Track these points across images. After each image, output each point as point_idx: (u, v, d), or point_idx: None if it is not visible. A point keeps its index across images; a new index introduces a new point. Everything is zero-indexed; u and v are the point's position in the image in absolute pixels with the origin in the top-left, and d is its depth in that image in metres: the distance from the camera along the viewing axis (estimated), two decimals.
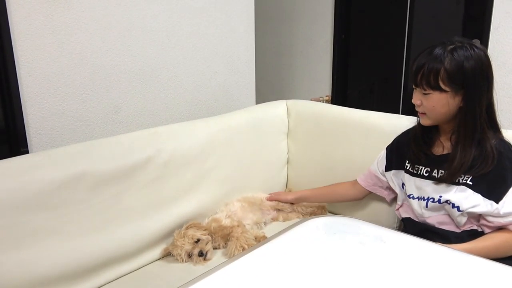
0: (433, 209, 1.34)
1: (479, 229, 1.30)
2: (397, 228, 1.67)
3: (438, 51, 1.23)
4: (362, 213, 1.77)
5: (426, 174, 1.37)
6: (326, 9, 3.25)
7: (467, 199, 1.26)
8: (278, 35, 3.59)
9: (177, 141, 1.64)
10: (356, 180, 1.66)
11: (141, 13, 1.90)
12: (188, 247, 1.50)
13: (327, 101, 3.34)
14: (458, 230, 1.32)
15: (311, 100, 2.82)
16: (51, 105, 1.69)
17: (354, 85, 3.38)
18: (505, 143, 1.28)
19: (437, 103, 1.25)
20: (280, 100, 2.12)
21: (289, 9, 3.48)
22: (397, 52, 3.00)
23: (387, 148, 1.56)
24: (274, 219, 1.83)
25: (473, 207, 1.25)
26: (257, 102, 2.42)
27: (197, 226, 1.58)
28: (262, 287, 0.81)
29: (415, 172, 1.40)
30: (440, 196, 1.31)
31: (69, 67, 1.71)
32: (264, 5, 3.48)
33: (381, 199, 1.66)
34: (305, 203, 1.87)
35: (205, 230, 1.58)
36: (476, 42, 1.30)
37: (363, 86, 3.36)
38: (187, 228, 1.56)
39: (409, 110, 1.37)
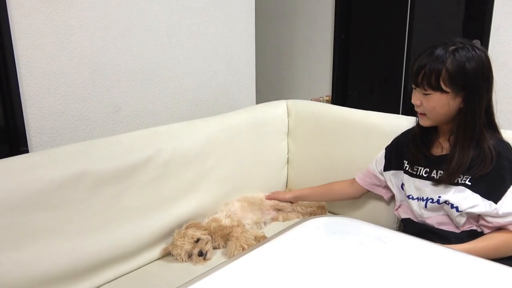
0: (432, 210, 1.34)
1: (479, 230, 1.30)
2: (397, 228, 1.67)
3: (439, 51, 1.23)
4: (362, 213, 1.77)
5: (425, 175, 1.37)
6: (327, 9, 3.25)
7: (465, 199, 1.26)
8: (279, 35, 3.59)
9: (177, 140, 1.64)
10: (354, 178, 1.67)
11: (141, 12, 1.90)
12: (188, 246, 1.50)
13: (327, 101, 3.34)
14: (457, 231, 1.32)
15: (311, 100, 2.82)
16: (51, 104, 1.69)
17: (354, 85, 3.38)
18: (504, 143, 1.28)
19: (437, 104, 1.25)
20: (280, 100, 2.12)
21: (290, 9, 3.48)
22: (397, 53, 3.00)
23: (386, 148, 1.56)
24: (274, 219, 1.83)
25: (472, 207, 1.25)
26: (257, 102, 2.42)
27: (197, 226, 1.58)
28: (262, 287, 0.81)
29: (414, 173, 1.40)
30: (439, 197, 1.31)
31: (69, 67, 1.71)
32: (264, 5, 3.48)
33: (381, 199, 1.66)
34: (305, 203, 1.87)
35: (205, 230, 1.58)
36: (477, 42, 1.30)
37: (363, 86, 3.36)
38: (186, 228, 1.56)
39: (409, 110, 1.36)
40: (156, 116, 2.05)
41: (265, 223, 1.79)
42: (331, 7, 3.22)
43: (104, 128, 1.86)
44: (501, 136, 1.30)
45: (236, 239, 1.54)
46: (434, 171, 1.34)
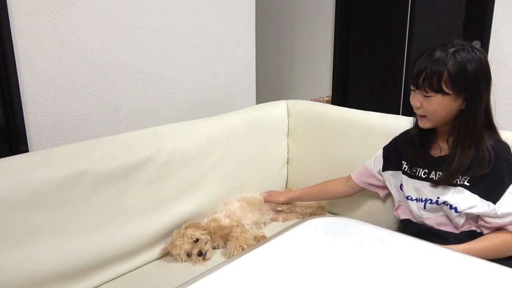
0: (431, 210, 1.35)
1: (478, 230, 1.30)
2: (397, 229, 1.67)
3: (440, 53, 1.23)
4: (362, 213, 1.77)
5: (424, 176, 1.37)
6: (327, 9, 3.25)
7: (464, 200, 1.26)
8: (279, 35, 3.59)
9: (177, 140, 1.64)
10: (349, 176, 1.67)
11: (141, 12, 1.90)
12: (187, 246, 1.50)
13: (327, 102, 3.34)
14: (456, 231, 1.32)
15: (311, 100, 2.82)
16: (51, 103, 1.69)
17: (354, 86, 3.38)
18: (502, 144, 1.28)
19: (438, 106, 1.25)
20: (281, 100, 2.12)
21: (290, 9, 3.48)
22: (397, 53, 3.00)
23: (384, 148, 1.56)
24: (274, 220, 1.83)
25: (470, 208, 1.25)
26: (258, 102, 2.42)
27: (196, 226, 1.58)
28: (261, 287, 0.81)
29: (413, 174, 1.40)
30: (438, 198, 1.31)
31: (69, 66, 1.71)
32: (265, 5, 3.48)
33: (381, 199, 1.66)
34: (304, 203, 1.87)
35: (204, 230, 1.58)
36: (477, 43, 1.30)
37: (363, 86, 3.36)
38: (186, 227, 1.56)
39: (409, 110, 1.36)
40: (156, 116, 2.05)
41: (264, 223, 1.79)
42: (331, 7, 3.22)
43: (104, 128, 1.86)
44: (500, 137, 1.30)
45: (236, 239, 1.54)
46: (433, 172, 1.34)
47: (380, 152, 1.57)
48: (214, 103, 2.29)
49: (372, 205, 1.73)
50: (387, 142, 1.56)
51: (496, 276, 0.86)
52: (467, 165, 1.26)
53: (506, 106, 2.41)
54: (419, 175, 1.38)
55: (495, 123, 1.31)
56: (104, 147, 1.47)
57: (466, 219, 1.29)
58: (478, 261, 0.90)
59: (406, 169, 1.43)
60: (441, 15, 2.77)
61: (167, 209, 1.58)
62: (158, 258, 1.57)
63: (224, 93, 2.33)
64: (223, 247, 1.60)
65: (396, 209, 1.51)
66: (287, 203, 1.85)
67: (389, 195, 1.59)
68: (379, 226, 1.03)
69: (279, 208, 1.84)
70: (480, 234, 1.29)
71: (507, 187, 1.23)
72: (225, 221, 1.63)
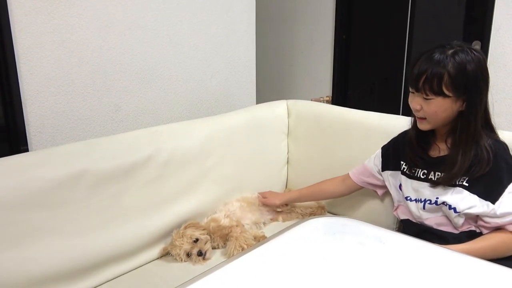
0: (431, 211, 1.35)
1: (477, 230, 1.30)
2: (397, 229, 1.67)
3: (439, 55, 1.22)
4: (362, 213, 1.77)
5: (423, 177, 1.37)
6: (327, 9, 3.25)
7: (463, 200, 1.26)
8: (279, 35, 3.59)
9: (177, 140, 1.64)
10: (346, 175, 1.66)
11: (141, 12, 1.90)
12: (187, 246, 1.50)
13: (327, 102, 3.34)
14: (456, 231, 1.32)
15: (311, 100, 2.82)
16: (51, 103, 1.69)
17: (354, 86, 3.38)
18: (501, 144, 1.28)
19: (439, 109, 1.24)
20: (281, 100, 2.12)
21: (290, 9, 3.48)
22: (397, 53, 3.00)
23: (383, 148, 1.56)
24: (274, 220, 1.83)
25: (469, 208, 1.25)
26: (258, 102, 2.42)
27: (196, 226, 1.58)
28: (261, 287, 0.81)
29: (412, 174, 1.40)
30: (437, 198, 1.31)
31: (69, 66, 1.71)
32: (265, 5, 3.48)
33: (381, 199, 1.66)
34: (304, 203, 1.87)
35: (203, 229, 1.58)
36: (477, 44, 1.30)
37: (364, 87, 3.36)
38: (185, 227, 1.56)
39: (409, 110, 1.36)
40: (156, 116, 2.05)
41: (264, 223, 1.79)
42: (331, 7, 3.22)
43: (104, 127, 1.86)
44: (498, 137, 1.30)
45: (236, 239, 1.54)
46: (432, 172, 1.34)
47: (379, 151, 1.57)
48: (214, 103, 2.29)
49: (372, 205, 1.73)
50: (387, 142, 1.56)
51: (495, 276, 0.86)
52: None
53: (506, 106, 2.40)
54: (418, 175, 1.38)
55: (493, 122, 1.31)
56: (104, 147, 1.47)
57: (465, 219, 1.29)
58: (477, 261, 0.90)
59: (405, 170, 1.43)
60: (441, 15, 2.77)
61: (167, 209, 1.58)
62: (157, 258, 1.57)
63: (224, 93, 2.33)
64: (222, 247, 1.60)
65: (396, 209, 1.51)
66: (285, 205, 1.85)
67: (387, 193, 1.59)
68: (379, 226, 1.03)
69: (279, 209, 1.84)
70: (480, 234, 1.29)
71: (506, 187, 1.23)
72: (225, 221, 1.63)
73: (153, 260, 1.55)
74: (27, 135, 1.64)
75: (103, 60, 1.81)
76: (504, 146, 1.28)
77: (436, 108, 1.25)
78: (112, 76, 1.85)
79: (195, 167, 1.67)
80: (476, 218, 1.29)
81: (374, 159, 1.57)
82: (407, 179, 1.42)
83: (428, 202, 1.34)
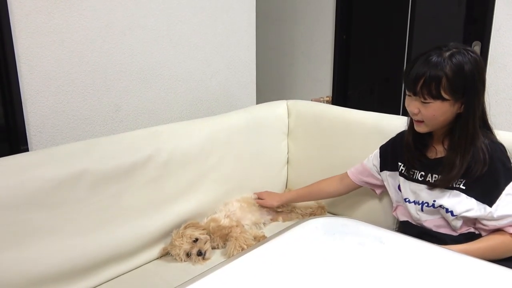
0: (429, 213, 1.35)
1: (476, 232, 1.30)
2: (396, 229, 1.67)
3: (436, 58, 1.21)
4: (361, 213, 1.77)
5: (421, 179, 1.36)
6: (328, 9, 3.25)
7: (460, 203, 1.26)
8: (279, 35, 3.59)
9: (177, 140, 1.64)
10: (345, 174, 1.66)
11: (141, 12, 1.90)
12: (186, 246, 1.50)
13: (327, 102, 3.33)
14: (455, 233, 1.32)
15: (311, 100, 2.82)
16: (51, 103, 1.69)
17: (354, 86, 3.38)
18: (497, 145, 1.27)
19: (437, 112, 1.24)
20: (281, 100, 2.12)
21: (291, 9, 3.48)
22: (398, 53, 3.00)
23: (381, 148, 1.56)
24: (274, 220, 1.83)
25: (466, 211, 1.25)
26: (258, 102, 2.42)
27: (195, 226, 1.58)
28: (261, 287, 0.81)
29: (410, 176, 1.40)
30: (434, 201, 1.31)
31: (69, 66, 1.71)
32: (265, 5, 3.48)
33: (381, 200, 1.66)
34: (304, 203, 1.87)
35: (203, 229, 1.58)
36: (478, 44, 1.29)
37: (364, 87, 3.36)
38: (185, 227, 1.56)
39: (407, 111, 1.35)
40: (156, 116, 2.05)
41: (264, 223, 1.79)
42: (332, 7, 3.22)
43: (104, 127, 1.86)
44: (495, 137, 1.30)
45: (235, 239, 1.54)
46: (429, 174, 1.34)
47: (377, 151, 1.56)
48: (214, 103, 2.29)
49: (372, 205, 1.73)
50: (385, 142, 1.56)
51: (494, 276, 0.86)
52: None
53: (506, 106, 2.40)
54: (416, 177, 1.38)
55: (490, 122, 1.31)
56: (104, 147, 1.47)
57: (463, 221, 1.29)
58: (477, 262, 0.90)
59: (403, 171, 1.43)
60: (441, 15, 2.77)
61: (167, 209, 1.58)
62: (157, 258, 1.57)
63: (224, 93, 2.33)
64: (222, 247, 1.60)
65: (395, 210, 1.51)
66: (284, 205, 1.85)
67: (385, 192, 1.59)
68: (378, 226, 1.03)
69: (279, 209, 1.84)
70: (479, 236, 1.29)
71: (502, 189, 1.22)
72: (225, 221, 1.63)
73: (153, 260, 1.55)
74: (27, 134, 1.64)
75: (103, 60, 1.81)
76: (501, 147, 1.27)
77: (435, 112, 1.24)
78: (112, 76, 1.85)
79: (195, 167, 1.67)
80: (474, 220, 1.29)
81: (373, 159, 1.57)
82: (405, 180, 1.42)
83: (426, 204, 1.34)
